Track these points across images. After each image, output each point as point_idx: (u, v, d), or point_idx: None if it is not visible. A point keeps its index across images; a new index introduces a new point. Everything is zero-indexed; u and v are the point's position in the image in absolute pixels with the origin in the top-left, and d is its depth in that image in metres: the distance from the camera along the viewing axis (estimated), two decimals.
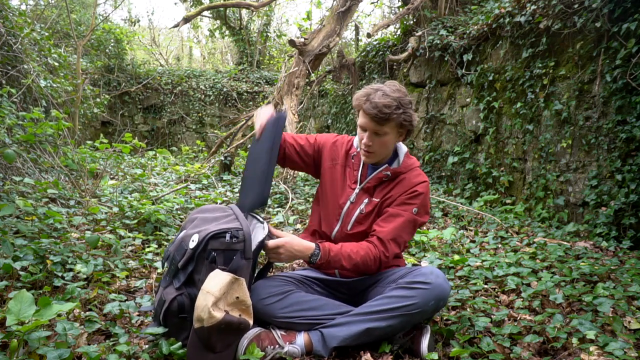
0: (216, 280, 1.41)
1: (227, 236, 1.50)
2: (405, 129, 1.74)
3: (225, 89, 10.25)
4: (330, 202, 1.87)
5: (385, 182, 1.80)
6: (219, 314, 1.37)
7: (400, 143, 1.84)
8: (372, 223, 1.78)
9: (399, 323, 1.58)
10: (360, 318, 1.59)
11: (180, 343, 1.49)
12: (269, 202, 4.32)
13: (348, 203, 1.83)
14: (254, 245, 1.56)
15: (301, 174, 5.32)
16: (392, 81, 1.76)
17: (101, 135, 5.12)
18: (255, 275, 1.82)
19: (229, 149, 5.62)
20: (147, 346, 1.57)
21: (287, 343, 1.58)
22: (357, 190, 1.82)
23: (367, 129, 1.71)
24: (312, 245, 1.65)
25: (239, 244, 1.51)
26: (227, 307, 1.42)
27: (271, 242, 1.62)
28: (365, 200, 1.80)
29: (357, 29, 8.99)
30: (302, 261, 2.73)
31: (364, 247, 1.68)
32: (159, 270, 2.41)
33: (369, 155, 1.76)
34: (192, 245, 1.52)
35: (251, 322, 1.48)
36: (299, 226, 3.53)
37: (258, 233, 1.62)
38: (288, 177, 4.85)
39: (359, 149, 1.85)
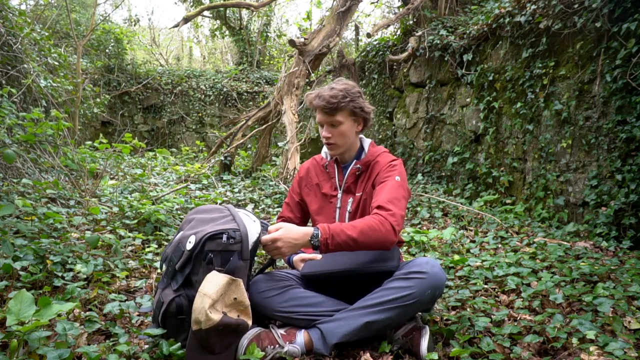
0: (213, 282, 1.41)
1: (224, 237, 1.50)
2: (360, 117, 1.84)
3: (225, 89, 10.25)
4: (322, 219, 1.91)
5: (360, 175, 1.87)
6: (216, 316, 1.37)
7: (363, 136, 1.94)
8: (363, 215, 1.81)
9: (396, 315, 1.58)
10: (358, 312, 1.60)
11: (179, 344, 1.49)
12: (269, 202, 4.32)
13: (337, 210, 1.87)
14: (250, 245, 1.56)
15: None
16: (340, 77, 1.90)
17: (101, 135, 5.12)
18: (257, 271, 1.84)
19: (229, 149, 5.62)
20: (147, 346, 1.57)
21: (287, 343, 1.58)
22: (339, 195, 1.89)
23: (323, 124, 1.83)
24: (310, 228, 1.62)
25: (236, 244, 1.51)
26: (225, 309, 1.41)
27: (266, 238, 1.60)
28: (350, 200, 1.87)
29: (357, 29, 9.00)
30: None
31: (365, 217, 1.66)
32: (159, 271, 2.41)
33: (332, 147, 1.85)
34: (189, 246, 1.52)
35: (250, 322, 1.48)
36: None
37: (252, 232, 1.60)
38: (288, 177, 4.85)
39: (327, 157, 1.96)
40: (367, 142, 1.93)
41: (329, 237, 1.57)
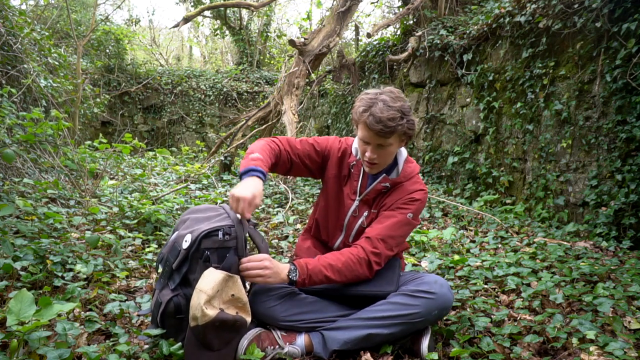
0: (209, 279, 1.41)
1: (220, 234, 1.50)
2: (407, 136, 1.70)
3: (225, 89, 10.25)
4: (331, 211, 1.87)
5: (384, 192, 1.78)
6: (212, 312, 1.38)
7: (402, 148, 1.80)
8: None
9: (400, 331, 1.58)
10: (362, 323, 1.59)
11: (179, 344, 1.49)
12: (269, 201, 4.32)
13: (349, 214, 1.82)
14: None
15: None
16: (389, 88, 1.68)
17: (101, 135, 5.12)
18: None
19: (229, 149, 5.62)
20: (147, 346, 1.57)
21: (287, 344, 1.58)
22: (356, 203, 1.81)
23: (370, 142, 1.65)
24: (287, 264, 1.59)
25: (232, 241, 1.50)
26: (222, 305, 1.42)
27: (257, 257, 1.53)
28: (366, 213, 1.80)
29: (357, 29, 8.99)
30: None
31: (344, 253, 1.64)
32: (159, 270, 2.41)
33: (374, 167, 1.72)
34: (185, 245, 1.51)
35: (249, 319, 1.48)
36: (299, 226, 3.53)
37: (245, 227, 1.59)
38: (288, 177, 4.85)
39: (358, 157, 1.79)
40: (402, 156, 1.78)
41: (307, 277, 1.58)
